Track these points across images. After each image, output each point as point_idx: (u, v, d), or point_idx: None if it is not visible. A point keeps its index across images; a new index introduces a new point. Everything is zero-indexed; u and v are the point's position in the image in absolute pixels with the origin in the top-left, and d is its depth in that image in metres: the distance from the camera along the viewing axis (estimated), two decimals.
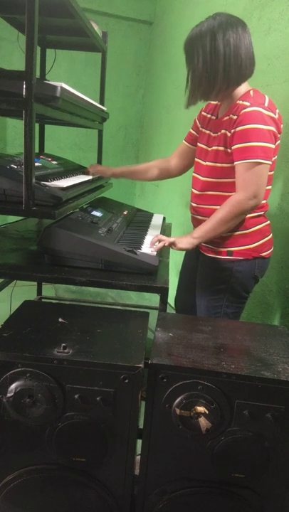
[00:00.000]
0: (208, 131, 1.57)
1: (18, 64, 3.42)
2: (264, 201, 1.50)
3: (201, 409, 0.99)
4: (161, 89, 3.68)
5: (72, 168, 1.94)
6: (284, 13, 1.93)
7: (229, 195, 1.44)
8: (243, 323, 1.39)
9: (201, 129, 1.62)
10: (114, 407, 1.02)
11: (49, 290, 3.14)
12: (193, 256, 1.71)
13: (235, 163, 1.40)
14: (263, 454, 1.03)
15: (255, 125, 1.34)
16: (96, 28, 1.95)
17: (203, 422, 1.00)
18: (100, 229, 1.48)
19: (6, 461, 1.09)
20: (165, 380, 1.01)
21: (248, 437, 1.02)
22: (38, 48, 2.10)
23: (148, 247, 1.49)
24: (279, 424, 1.00)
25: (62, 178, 1.63)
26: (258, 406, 0.99)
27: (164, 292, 1.29)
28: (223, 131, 1.46)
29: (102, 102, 2.28)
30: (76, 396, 1.00)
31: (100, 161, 2.40)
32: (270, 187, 1.51)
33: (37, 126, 2.40)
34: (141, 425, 1.07)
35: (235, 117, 1.39)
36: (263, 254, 1.55)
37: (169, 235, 1.90)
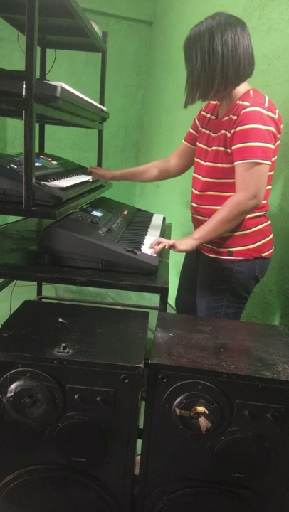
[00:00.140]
0: (207, 131, 1.57)
1: (18, 64, 3.42)
2: (264, 201, 1.50)
3: (201, 409, 0.99)
4: (161, 89, 3.68)
5: (72, 168, 1.94)
6: (284, 13, 1.93)
7: (229, 196, 1.44)
8: (243, 323, 1.39)
9: (200, 128, 1.62)
10: (114, 407, 1.02)
11: (49, 290, 3.15)
12: (194, 256, 1.70)
13: (235, 163, 1.40)
14: (263, 454, 1.03)
15: (254, 125, 1.34)
16: (96, 28, 1.95)
17: (203, 422, 1.00)
18: (100, 229, 1.48)
19: (6, 461, 1.09)
20: (165, 380, 1.01)
21: (248, 437, 1.02)
22: (38, 48, 2.10)
23: (148, 247, 1.49)
24: (279, 424, 1.00)
25: (62, 178, 1.63)
26: (258, 406, 0.99)
27: (164, 292, 1.29)
28: (222, 131, 1.46)
29: (102, 102, 2.28)
30: (76, 396, 1.00)
31: (100, 161, 2.40)
32: (270, 187, 1.51)
33: (37, 126, 2.40)
34: (141, 425, 1.07)
35: (235, 117, 1.39)
36: (264, 254, 1.55)
37: (169, 235, 1.91)
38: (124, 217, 1.84)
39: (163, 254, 1.54)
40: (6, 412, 1.02)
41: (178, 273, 1.91)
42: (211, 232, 1.45)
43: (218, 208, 1.45)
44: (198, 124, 1.65)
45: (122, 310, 1.35)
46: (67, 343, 1.04)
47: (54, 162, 1.86)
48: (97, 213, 1.68)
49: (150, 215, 2.11)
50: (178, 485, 1.10)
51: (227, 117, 1.44)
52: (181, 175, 1.87)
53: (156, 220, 2.03)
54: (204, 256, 1.61)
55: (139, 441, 1.09)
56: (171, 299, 1.67)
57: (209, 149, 1.54)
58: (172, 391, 1.01)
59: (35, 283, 2.70)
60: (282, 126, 1.46)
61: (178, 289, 1.90)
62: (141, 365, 1.00)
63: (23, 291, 2.25)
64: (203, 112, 1.63)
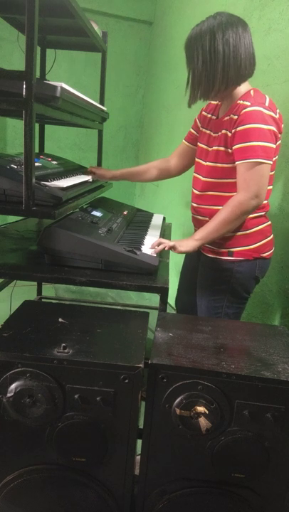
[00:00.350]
0: (208, 131, 1.57)
1: (18, 64, 3.43)
2: (265, 201, 1.50)
3: (201, 409, 0.99)
4: (161, 89, 3.68)
5: (72, 168, 1.94)
6: (284, 13, 1.93)
7: (230, 196, 1.44)
8: (243, 323, 1.39)
9: (201, 128, 1.62)
10: (114, 407, 1.02)
11: (49, 290, 3.15)
12: (194, 256, 1.70)
13: (236, 163, 1.40)
14: (263, 454, 1.03)
15: (255, 125, 1.34)
16: (96, 28, 1.95)
17: (203, 422, 1.00)
18: (100, 229, 1.48)
19: (6, 461, 1.09)
20: (165, 380, 1.01)
21: (248, 437, 1.02)
22: (38, 48, 2.10)
23: (148, 247, 1.49)
24: (279, 424, 1.00)
25: (62, 178, 1.63)
26: (258, 406, 0.99)
27: (164, 292, 1.29)
28: (223, 131, 1.46)
29: (102, 102, 2.28)
30: (76, 396, 1.00)
31: (100, 161, 2.40)
32: (271, 187, 1.50)
33: (37, 126, 2.40)
34: (141, 425, 1.07)
35: (235, 117, 1.39)
36: (264, 254, 1.55)
37: (169, 235, 1.91)
38: (124, 217, 1.84)
39: (163, 254, 1.54)
40: (6, 412, 1.02)
41: (178, 273, 1.91)
42: (212, 233, 1.45)
43: (219, 208, 1.45)
44: (199, 124, 1.65)
45: (122, 310, 1.35)
46: (67, 343, 1.04)
47: (54, 162, 1.86)
48: (97, 213, 1.68)
49: (150, 215, 2.11)
50: (178, 485, 1.10)
51: (228, 117, 1.44)
52: (181, 175, 1.87)
53: (156, 220, 2.03)
54: (204, 256, 1.61)
55: (139, 441, 1.09)
56: (171, 299, 1.67)
57: (210, 149, 1.54)
58: (172, 391, 1.01)
59: (35, 283, 2.70)
60: (282, 125, 1.46)
61: (178, 290, 1.90)
62: (141, 365, 1.00)
63: (23, 291, 2.25)
64: (204, 112, 1.63)
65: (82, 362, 0.99)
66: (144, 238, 1.61)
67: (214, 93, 1.41)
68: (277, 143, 1.42)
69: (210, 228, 1.44)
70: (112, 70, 3.68)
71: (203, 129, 1.60)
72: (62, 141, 3.97)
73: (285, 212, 1.87)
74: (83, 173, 1.93)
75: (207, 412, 0.99)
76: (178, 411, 1.00)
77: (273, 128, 1.36)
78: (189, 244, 1.45)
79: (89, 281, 1.29)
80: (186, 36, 1.40)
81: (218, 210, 1.45)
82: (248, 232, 1.51)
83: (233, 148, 1.40)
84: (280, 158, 1.71)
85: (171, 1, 3.46)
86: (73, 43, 2.22)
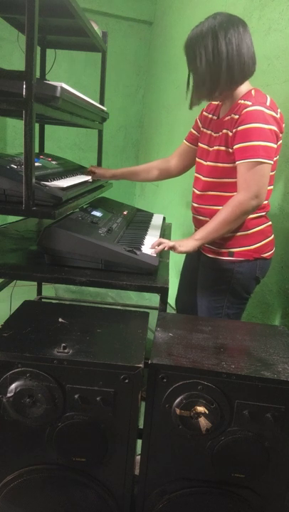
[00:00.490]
0: (209, 132, 1.57)
1: (18, 64, 3.43)
2: (266, 202, 1.50)
3: (201, 409, 0.99)
4: (161, 89, 3.68)
5: (72, 168, 1.94)
6: (284, 13, 1.93)
7: (230, 196, 1.44)
8: (243, 323, 1.39)
9: (202, 129, 1.62)
10: (114, 407, 1.02)
11: (49, 290, 3.14)
12: (195, 256, 1.70)
13: (236, 162, 1.40)
14: (263, 454, 1.03)
15: (256, 124, 1.33)
16: (96, 28, 1.95)
17: (203, 422, 1.00)
18: (100, 229, 1.48)
19: (6, 461, 1.09)
20: (165, 380, 1.01)
21: (248, 437, 1.02)
22: (38, 48, 2.10)
23: (148, 247, 1.49)
24: (279, 424, 1.00)
25: (62, 178, 1.63)
26: (258, 406, 0.99)
27: (164, 292, 1.29)
28: (224, 131, 1.46)
29: (102, 102, 2.28)
30: (76, 396, 1.00)
31: (100, 161, 2.40)
32: (271, 187, 1.50)
33: (37, 126, 2.40)
34: (141, 425, 1.07)
35: (236, 117, 1.39)
36: (265, 255, 1.55)
37: (169, 235, 1.91)
38: (124, 217, 1.84)
39: (163, 254, 1.54)
40: (6, 412, 1.02)
41: (178, 273, 1.91)
42: (212, 233, 1.44)
43: (219, 208, 1.45)
44: (200, 124, 1.64)
45: (122, 310, 1.35)
46: (67, 343, 1.04)
47: (54, 162, 1.86)
48: (97, 213, 1.68)
49: (150, 215, 2.11)
50: (178, 485, 1.10)
51: (229, 117, 1.44)
52: (181, 175, 1.87)
53: (156, 220, 2.03)
54: (205, 256, 1.61)
55: (139, 441, 1.09)
56: (171, 299, 1.67)
57: (211, 149, 1.53)
58: (172, 391, 1.01)
59: (35, 283, 2.70)
60: (284, 125, 1.46)
61: (178, 290, 1.90)
62: (141, 365, 1.00)
63: (23, 291, 2.25)
64: (204, 112, 1.63)
65: (82, 362, 0.99)
66: (144, 238, 1.61)
67: (218, 93, 1.41)
68: (278, 143, 1.42)
69: (210, 228, 1.44)
70: (112, 70, 3.68)
71: (204, 129, 1.60)
72: (62, 141, 3.97)
73: (285, 212, 1.87)
74: (83, 173, 1.93)
75: (207, 412, 0.99)
76: (178, 411, 1.00)
77: (274, 128, 1.36)
78: (189, 245, 1.45)
79: (89, 281, 1.29)
80: (186, 37, 1.40)
81: (218, 210, 1.45)
82: (248, 232, 1.51)
83: (234, 147, 1.40)
84: (281, 158, 1.71)
85: (171, 1, 3.46)
86: (73, 43, 2.22)
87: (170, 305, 2.54)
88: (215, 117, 1.56)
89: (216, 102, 1.58)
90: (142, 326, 1.22)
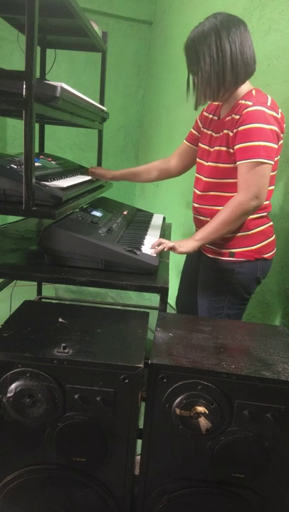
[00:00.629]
0: (210, 132, 1.57)
1: (18, 64, 3.42)
2: (267, 202, 1.50)
3: (201, 409, 0.99)
4: (161, 89, 3.68)
5: (72, 168, 1.94)
6: (284, 13, 1.93)
7: (231, 196, 1.43)
8: (243, 323, 1.39)
9: (202, 129, 1.62)
10: (114, 407, 1.02)
11: (49, 290, 3.14)
12: (195, 257, 1.70)
13: (237, 163, 1.40)
14: (263, 454, 1.03)
15: (257, 124, 1.33)
16: (96, 28, 1.95)
17: (203, 422, 1.00)
18: (100, 229, 1.48)
19: (6, 461, 1.09)
20: (165, 380, 1.01)
21: (248, 437, 1.02)
22: (38, 48, 2.10)
23: (148, 247, 1.49)
24: (279, 424, 1.00)
25: (62, 178, 1.63)
26: (258, 406, 0.99)
27: (164, 292, 1.29)
28: (225, 131, 1.45)
29: (102, 102, 2.28)
30: (76, 396, 1.00)
31: (100, 161, 2.40)
32: (272, 187, 1.50)
33: (37, 126, 2.40)
34: (141, 425, 1.07)
35: (237, 117, 1.38)
36: (266, 255, 1.55)
37: (169, 235, 1.91)
38: (124, 217, 1.84)
39: (163, 254, 1.54)
40: (6, 412, 1.02)
41: (178, 273, 1.91)
42: (212, 234, 1.44)
43: (220, 208, 1.45)
44: (200, 125, 1.64)
45: (122, 310, 1.35)
46: (67, 343, 1.04)
47: (54, 162, 1.86)
48: (97, 213, 1.68)
49: (150, 215, 2.11)
50: (178, 485, 1.10)
51: (229, 117, 1.44)
52: (181, 175, 1.87)
53: (156, 220, 2.03)
54: (205, 257, 1.61)
55: (139, 441, 1.09)
56: (171, 299, 1.67)
57: (212, 150, 1.53)
58: (172, 391, 1.01)
59: (35, 283, 2.70)
60: (284, 125, 1.45)
61: (178, 290, 1.90)
62: (141, 365, 1.00)
63: (23, 291, 2.25)
64: (205, 113, 1.63)
65: (82, 362, 0.99)
66: (144, 238, 1.61)
67: (223, 92, 1.40)
68: (279, 143, 1.41)
69: (210, 229, 1.44)
70: (112, 70, 3.68)
71: (205, 130, 1.60)
72: (62, 141, 3.97)
73: (286, 212, 1.87)
74: (83, 174, 1.93)
75: (207, 412, 0.99)
76: (178, 411, 1.00)
77: (275, 128, 1.36)
78: (189, 245, 1.45)
79: (89, 281, 1.29)
80: (187, 37, 1.40)
81: (219, 210, 1.45)
82: (249, 232, 1.51)
83: (235, 148, 1.40)
84: (281, 159, 1.71)
85: (171, 1, 3.46)
86: (73, 43, 2.22)
87: (170, 305, 2.54)
88: (215, 118, 1.56)
89: (217, 103, 1.58)
90: (142, 326, 1.22)
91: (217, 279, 1.57)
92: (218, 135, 1.51)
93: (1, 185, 1.28)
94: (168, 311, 1.37)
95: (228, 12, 1.40)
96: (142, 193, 4.23)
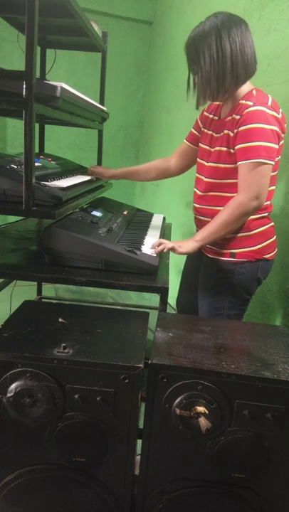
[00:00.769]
0: (210, 132, 1.56)
1: (18, 64, 3.42)
2: (268, 202, 1.49)
3: (201, 409, 0.99)
4: (161, 89, 3.68)
5: (72, 168, 1.94)
6: (284, 13, 1.93)
7: (232, 196, 1.43)
8: (243, 323, 1.39)
9: (203, 129, 1.62)
10: (114, 407, 1.02)
11: (49, 290, 3.14)
12: (196, 257, 1.70)
13: (238, 163, 1.39)
14: (263, 454, 1.03)
15: (258, 124, 1.33)
16: (96, 28, 1.95)
17: (203, 422, 1.00)
18: (100, 229, 1.48)
19: (6, 461, 1.09)
20: (165, 380, 1.01)
21: (248, 437, 1.02)
22: (38, 48, 2.10)
23: (148, 247, 1.49)
24: (279, 424, 1.00)
25: (62, 178, 1.63)
26: (258, 406, 0.99)
27: (164, 292, 1.29)
28: (225, 131, 1.45)
29: (102, 102, 2.28)
30: (76, 396, 1.00)
31: (100, 161, 2.40)
32: (273, 188, 1.50)
33: (37, 126, 2.40)
34: (141, 425, 1.07)
35: (238, 117, 1.38)
36: (267, 256, 1.54)
37: (169, 235, 1.91)
38: (124, 217, 1.84)
39: (163, 254, 1.54)
40: (6, 412, 1.02)
41: (178, 274, 1.91)
42: (213, 234, 1.44)
43: (221, 208, 1.44)
44: (201, 125, 1.64)
45: (122, 310, 1.35)
46: (67, 343, 1.04)
47: (54, 162, 1.86)
48: (97, 213, 1.68)
49: (150, 215, 2.11)
50: (178, 485, 1.10)
51: (230, 117, 1.44)
52: (181, 174, 1.87)
53: (156, 220, 2.03)
54: (206, 257, 1.61)
55: (139, 441, 1.09)
56: (172, 299, 1.67)
57: (212, 150, 1.53)
58: (172, 391, 1.01)
59: (35, 283, 2.70)
60: (285, 125, 1.45)
61: (179, 290, 1.90)
62: (141, 365, 1.00)
63: (23, 291, 2.25)
64: (205, 113, 1.63)
65: (82, 362, 0.99)
66: (144, 238, 1.60)
67: (223, 92, 1.40)
68: (280, 143, 1.41)
69: (210, 229, 1.44)
70: (112, 70, 3.68)
71: (205, 130, 1.60)
72: (62, 141, 3.97)
73: (286, 212, 1.87)
74: (83, 173, 1.93)
75: (207, 412, 0.99)
76: (178, 411, 1.00)
77: (276, 128, 1.35)
78: (189, 246, 1.45)
79: (89, 281, 1.29)
80: (187, 36, 1.40)
81: (220, 210, 1.45)
82: (250, 233, 1.50)
83: (235, 148, 1.40)
84: (282, 159, 1.71)
85: (171, 1, 3.46)
86: (73, 43, 2.22)
87: (170, 305, 2.54)
88: (216, 118, 1.56)
89: (217, 103, 1.57)
90: (142, 326, 1.22)
91: (218, 279, 1.57)
92: (218, 135, 1.51)
93: (1, 185, 1.28)
94: (168, 311, 1.37)
95: (227, 12, 1.40)
96: (142, 193, 4.23)
